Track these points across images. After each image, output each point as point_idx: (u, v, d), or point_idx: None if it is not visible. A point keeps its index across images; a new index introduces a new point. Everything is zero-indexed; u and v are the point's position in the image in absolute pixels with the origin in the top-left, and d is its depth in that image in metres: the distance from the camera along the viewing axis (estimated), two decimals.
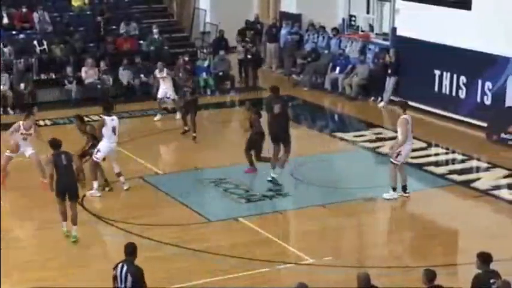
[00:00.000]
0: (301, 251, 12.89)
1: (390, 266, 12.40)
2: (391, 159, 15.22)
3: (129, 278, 9.35)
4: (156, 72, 21.19)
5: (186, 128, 19.22)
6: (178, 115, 20.64)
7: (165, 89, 20.96)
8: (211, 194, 15.75)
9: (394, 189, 15.17)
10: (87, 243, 13.27)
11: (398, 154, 15.18)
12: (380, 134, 19.85)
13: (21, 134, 15.49)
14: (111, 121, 15.41)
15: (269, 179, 15.88)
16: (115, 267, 9.51)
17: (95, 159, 15.31)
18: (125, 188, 15.49)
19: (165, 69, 21.05)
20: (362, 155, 18.30)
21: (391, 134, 19.75)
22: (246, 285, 11.70)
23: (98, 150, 15.28)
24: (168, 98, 22.90)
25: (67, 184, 13.06)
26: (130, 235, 13.30)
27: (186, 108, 19.37)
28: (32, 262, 12.46)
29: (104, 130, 15.27)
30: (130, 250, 9.57)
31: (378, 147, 18.69)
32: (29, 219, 14.19)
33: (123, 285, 9.36)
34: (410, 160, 17.59)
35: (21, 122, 15.57)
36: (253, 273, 12.09)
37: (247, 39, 25.86)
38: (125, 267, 9.41)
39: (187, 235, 13.46)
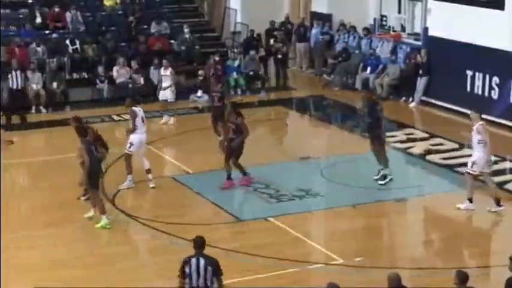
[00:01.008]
0: (331, 251, 12.85)
1: (421, 267, 12.32)
2: (468, 170, 14.52)
3: (209, 269, 9.36)
4: (162, 69, 21.07)
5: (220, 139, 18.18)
6: (164, 119, 20.51)
7: (164, 90, 20.63)
8: (242, 194, 15.76)
9: (470, 200, 14.53)
10: (117, 242, 13.35)
11: (473, 164, 14.39)
12: (411, 134, 19.73)
13: None
14: (139, 111, 15.65)
15: (381, 182, 15.72)
16: (187, 263, 9.39)
17: (128, 152, 15.44)
18: (151, 186, 15.57)
19: (169, 68, 20.89)
20: (393, 156, 18.17)
21: (422, 134, 19.68)
22: (275, 285, 11.69)
23: (131, 144, 15.43)
24: (199, 97, 23.00)
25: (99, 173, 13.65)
26: (160, 234, 13.36)
27: (214, 114, 18.62)
28: (61, 260, 12.54)
29: (136, 121, 15.45)
30: (201, 243, 9.55)
31: (409, 147, 18.59)
32: (57, 217, 14.25)
33: (202, 279, 9.32)
34: (442, 161, 17.52)
35: None
36: (283, 273, 12.08)
37: (277, 39, 25.87)
38: (202, 260, 9.39)
39: (217, 234, 13.48)
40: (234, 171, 15.63)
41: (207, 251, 12.58)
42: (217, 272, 9.48)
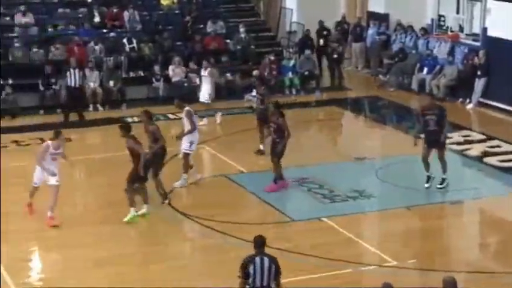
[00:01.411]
0: (384, 253, 12.75)
1: (477, 270, 12.14)
2: None
3: (273, 268, 9.37)
4: (202, 70, 21.08)
5: (261, 147, 17.85)
6: (201, 121, 20.22)
7: (203, 91, 20.57)
8: (295, 193, 15.74)
9: None
10: (169, 240, 13.44)
11: None
12: (468, 136, 19.46)
13: (50, 154, 13.90)
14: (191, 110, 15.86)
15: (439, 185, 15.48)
16: (251, 262, 9.34)
17: (188, 151, 15.57)
18: (190, 181, 15.67)
19: (208, 69, 20.85)
20: (449, 158, 17.94)
21: (479, 136, 19.39)
22: (328, 286, 11.64)
23: (192, 143, 15.54)
24: (254, 96, 23.02)
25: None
26: (214, 233, 13.42)
27: (257, 116, 18.18)
28: (113, 257, 12.65)
29: (194, 119, 15.62)
30: (262, 242, 9.54)
31: (465, 149, 18.33)
32: (111, 213, 14.38)
33: (266, 278, 9.32)
34: (499, 164, 17.24)
35: (49, 142, 14.03)
36: (336, 274, 12.02)
37: (329, 38, 25.79)
38: (266, 259, 9.39)
39: (270, 234, 13.39)
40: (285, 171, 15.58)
41: None
42: (279, 270, 9.48)
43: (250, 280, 9.32)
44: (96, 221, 14.05)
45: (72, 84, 21.04)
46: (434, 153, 15.55)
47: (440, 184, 15.44)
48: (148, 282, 11.76)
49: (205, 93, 20.41)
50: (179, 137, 15.71)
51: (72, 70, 21.02)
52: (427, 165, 15.49)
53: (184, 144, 15.63)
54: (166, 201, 14.65)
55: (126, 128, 14.26)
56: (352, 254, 12.71)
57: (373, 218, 14.86)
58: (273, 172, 15.51)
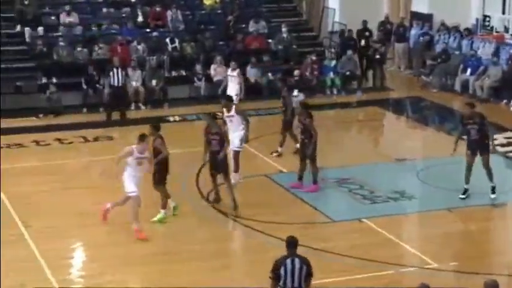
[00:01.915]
0: (425, 255, 12.64)
1: None
2: None
3: (304, 269, 9.37)
4: (229, 70, 21.02)
5: (279, 150, 17.73)
6: None
7: (230, 91, 20.56)
8: (336, 194, 15.68)
9: None
10: (211, 239, 13.47)
11: None
12: None
13: (136, 158, 13.41)
14: None
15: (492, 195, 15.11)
16: (282, 264, 9.35)
17: (239, 149, 15.61)
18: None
19: (237, 69, 20.81)
20: (492, 160, 17.71)
21: None
22: (368, 287, 11.58)
23: (242, 140, 15.57)
24: (295, 96, 22.95)
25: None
26: (254, 232, 13.43)
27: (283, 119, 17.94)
28: (154, 255, 12.72)
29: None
30: (294, 243, 9.55)
31: (509, 151, 18.09)
32: (153, 212, 14.47)
33: (297, 279, 9.32)
34: None
35: (134, 146, 13.56)
36: (376, 275, 11.95)
37: (369, 38, 25.67)
38: (297, 260, 9.39)
39: (310, 234, 13.44)
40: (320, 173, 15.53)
41: (300, 250, 12.63)
42: (311, 271, 9.47)
43: (281, 282, 9.32)
44: (139, 219, 14.11)
45: (115, 83, 21.23)
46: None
47: (492, 193, 15.01)
48: (188, 281, 11.79)
49: (232, 93, 20.39)
50: (246, 140, 15.78)
51: (115, 69, 21.20)
52: (468, 173, 15.09)
53: (234, 142, 15.50)
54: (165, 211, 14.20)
55: (156, 127, 14.14)
56: (392, 256, 12.63)
57: (413, 219, 14.74)
58: (310, 173, 15.42)
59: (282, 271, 9.32)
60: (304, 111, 15.71)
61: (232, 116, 15.58)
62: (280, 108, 18.26)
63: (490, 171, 15.07)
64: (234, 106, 15.70)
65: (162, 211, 13.96)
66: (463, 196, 15.06)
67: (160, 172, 13.85)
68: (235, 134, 15.50)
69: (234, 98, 20.47)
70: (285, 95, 18.08)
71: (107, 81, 21.46)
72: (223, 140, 14.52)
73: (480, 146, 15.04)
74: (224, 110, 15.79)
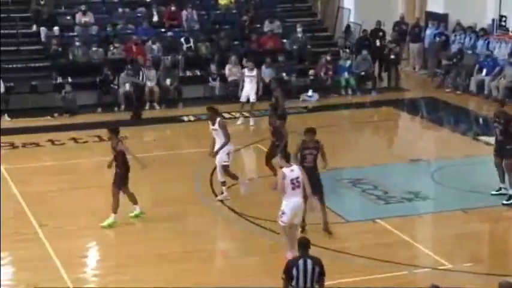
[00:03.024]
0: (439, 256, 12.59)
1: None
2: None
3: (317, 269, 9.39)
4: (246, 70, 20.97)
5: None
6: (251, 121, 20.41)
7: (249, 91, 20.56)
8: (350, 194, 15.66)
9: None
10: (223, 238, 13.49)
11: None
12: None
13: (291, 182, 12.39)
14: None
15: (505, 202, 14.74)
16: (294, 265, 9.37)
17: (227, 163, 14.74)
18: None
19: (255, 69, 20.82)
20: None
21: None
22: (382, 287, 11.55)
23: (229, 153, 14.84)
24: (310, 96, 22.99)
25: None
26: (267, 232, 13.42)
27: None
28: (175, 254, 12.76)
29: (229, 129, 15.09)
30: (306, 243, 9.57)
31: None
32: (169, 211, 14.52)
33: (309, 279, 9.34)
34: None
35: (283, 170, 12.37)
36: (390, 276, 11.91)
37: (383, 38, 25.61)
38: (309, 260, 9.41)
39: (324, 234, 13.43)
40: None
41: (314, 250, 12.58)
42: (323, 271, 9.48)
43: (294, 282, 9.34)
44: (153, 219, 14.16)
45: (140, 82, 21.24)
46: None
47: (507, 201, 14.70)
48: (202, 280, 11.81)
49: (251, 92, 20.44)
50: (215, 154, 14.79)
51: (143, 68, 21.20)
52: (501, 174, 14.87)
53: (222, 156, 14.74)
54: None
55: (114, 130, 14.00)
56: (405, 256, 12.60)
57: (428, 220, 14.69)
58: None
59: (294, 271, 9.35)
60: (273, 114, 15.40)
61: (216, 129, 14.80)
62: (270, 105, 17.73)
63: (511, 177, 14.62)
64: (218, 119, 14.83)
65: (113, 215, 13.73)
66: (494, 192, 14.96)
67: (126, 175, 13.79)
68: (223, 149, 14.74)
69: (254, 98, 20.54)
70: (277, 95, 17.79)
71: (129, 79, 21.56)
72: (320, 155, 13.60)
73: (504, 148, 14.68)
74: (209, 122, 15.01)
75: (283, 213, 12.07)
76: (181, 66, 23.47)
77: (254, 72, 20.76)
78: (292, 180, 11.95)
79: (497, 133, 14.81)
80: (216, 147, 14.81)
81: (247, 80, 20.76)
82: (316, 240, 13.00)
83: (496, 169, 15.01)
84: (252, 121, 20.57)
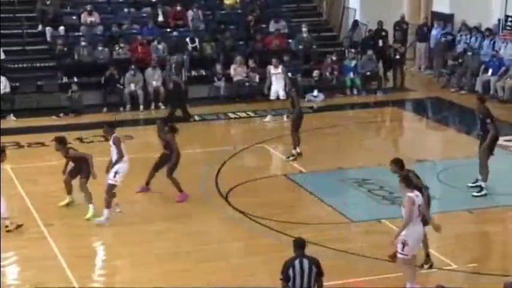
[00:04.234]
0: (444, 256, 12.57)
1: None
2: None
3: (314, 269, 9.39)
4: (271, 68, 21.03)
5: (294, 152, 17.35)
6: (285, 117, 20.42)
7: (277, 88, 20.72)
8: (355, 195, 15.65)
9: None
10: (228, 238, 13.48)
11: None
12: None
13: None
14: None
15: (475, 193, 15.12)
16: (290, 265, 9.39)
17: (113, 182, 13.91)
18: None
19: (280, 66, 20.88)
20: (511, 161, 17.67)
21: None
22: (388, 287, 11.56)
23: (117, 172, 13.99)
24: (315, 96, 22.97)
25: None
26: (272, 232, 13.43)
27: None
28: (170, 254, 12.75)
29: (122, 147, 14.15)
30: (302, 244, 9.57)
31: None
32: (172, 211, 14.52)
33: (306, 280, 9.35)
34: None
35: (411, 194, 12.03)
36: (395, 276, 11.87)
37: (396, 39, 25.60)
38: (306, 261, 9.42)
39: (329, 234, 13.44)
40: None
41: (318, 250, 12.66)
42: (320, 271, 9.47)
43: (291, 283, 9.35)
44: (154, 219, 14.18)
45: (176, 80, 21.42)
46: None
47: (478, 192, 15.11)
48: (204, 279, 11.83)
49: (279, 89, 20.67)
50: (107, 170, 14.07)
51: (173, 66, 21.50)
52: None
53: (110, 174, 13.94)
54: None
55: (62, 140, 14.45)
56: None
57: (433, 220, 14.63)
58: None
59: (290, 272, 9.37)
60: (162, 126, 14.83)
61: (111, 145, 14.13)
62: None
63: (481, 166, 15.13)
64: (113, 135, 14.15)
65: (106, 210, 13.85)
66: (470, 184, 15.34)
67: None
68: (114, 167, 13.97)
69: (283, 94, 20.63)
70: (293, 95, 17.89)
71: (166, 74, 21.87)
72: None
73: (481, 143, 15.28)
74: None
75: (405, 244, 10.98)
76: (186, 66, 23.42)
77: (279, 69, 20.85)
78: (418, 206, 11.00)
79: (478, 128, 15.38)
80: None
81: (273, 78, 20.82)
82: (320, 240, 13.08)
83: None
84: (286, 117, 20.49)
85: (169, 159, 14.73)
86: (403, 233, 10.93)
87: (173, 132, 14.80)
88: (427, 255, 12.11)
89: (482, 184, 15.16)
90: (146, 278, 11.87)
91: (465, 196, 15.26)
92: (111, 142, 14.09)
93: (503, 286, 9.01)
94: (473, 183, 15.43)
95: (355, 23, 27.01)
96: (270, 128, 20.35)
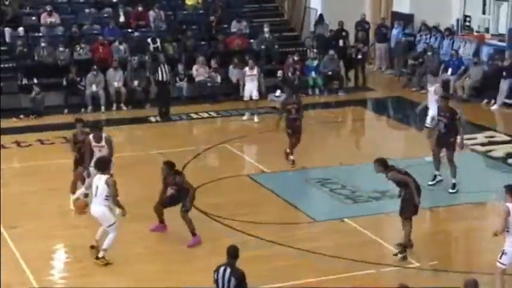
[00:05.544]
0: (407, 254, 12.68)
1: None
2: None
3: (233, 281, 9.36)
4: (246, 69, 21.06)
5: (288, 151, 17.11)
6: (256, 118, 20.54)
7: (251, 88, 20.74)
8: (317, 194, 15.72)
9: None
10: (189, 239, 13.41)
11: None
12: (492, 137, 19.30)
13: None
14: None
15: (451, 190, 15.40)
16: (216, 270, 9.51)
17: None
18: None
19: (255, 68, 20.94)
20: (473, 159, 17.85)
21: (504, 137, 19.24)
22: (349, 287, 11.60)
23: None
24: (277, 96, 23.02)
25: None
26: (235, 232, 13.43)
27: (290, 126, 17.10)
28: (135, 256, 12.71)
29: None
30: (235, 253, 9.57)
31: (489, 150, 18.19)
32: (141, 212, 14.40)
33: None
34: None
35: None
36: (357, 275, 11.98)
37: (358, 39, 25.77)
38: (228, 270, 9.42)
39: (292, 234, 13.48)
40: None
41: (282, 250, 12.72)
42: (240, 285, 9.41)
43: (215, 286, 9.46)
44: (123, 220, 14.07)
45: (160, 79, 21.22)
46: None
47: (452, 189, 15.38)
48: (166, 281, 11.78)
49: (253, 90, 20.70)
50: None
51: (162, 65, 21.22)
52: (436, 163, 15.75)
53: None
54: None
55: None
56: (374, 255, 12.67)
57: (395, 219, 14.70)
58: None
59: (215, 276, 9.50)
60: (168, 171, 13.28)
61: (103, 146, 14.06)
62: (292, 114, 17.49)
63: (453, 167, 15.42)
64: (104, 136, 14.15)
65: None
66: (431, 183, 15.59)
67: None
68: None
69: (256, 95, 20.67)
70: (300, 100, 17.83)
71: (154, 76, 21.61)
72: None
73: (447, 141, 15.43)
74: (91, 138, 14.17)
75: (504, 253, 10.98)
76: (148, 66, 23.30)
77: (255, 71, 20.86)
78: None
79: (441, 126, 15.48)
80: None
81: (248, 79, 20.87)
82: (283, 240, 13.12)
83: (433, 159, 15.77)
84: (256, 118, 20.65)
85: (178, 198, 13.33)
86: (507, 242, 10.96)
87: (179, 173, 13.49)
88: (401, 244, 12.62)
89: (454, 180, 15.39)
90: (110, 280, 11.80)
91: (426, 194, 15.24)
92: (103, 142, 14.02)
93: (464, 283, 9.11)
94: (432, 180, 15.61)
95: (320, 17, 27.15)
96: (233, 128, 20.34)
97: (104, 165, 12.38)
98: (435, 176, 15.65)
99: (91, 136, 14.22)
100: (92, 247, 12.40)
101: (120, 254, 12.61)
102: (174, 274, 12.06)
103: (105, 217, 12.20)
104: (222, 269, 9.48)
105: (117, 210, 12.80)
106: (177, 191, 13.25)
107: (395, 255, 12.52)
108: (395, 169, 12.79)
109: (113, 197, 12.04)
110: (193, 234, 13.17)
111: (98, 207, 12.14)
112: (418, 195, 12.53)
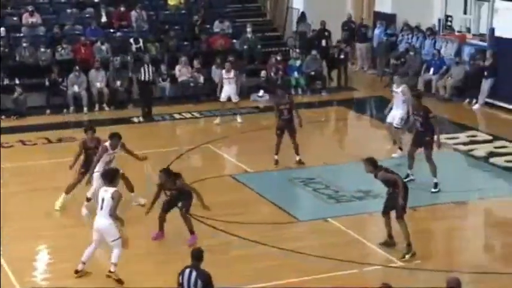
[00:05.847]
0: (389, 254, 12.74)
1: (480, 271, 12.12)
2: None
3: (199, 284, 9.32)
4: (223, 72, 20.92)
5: (276, 158, 17.12)
6: (239, 118, 20.60)
7: (229, 91, 20.55)
8: (301, 194, 15.74)
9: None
10: (175, 240, 13.41)
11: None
12: (474, 136, 19.41)
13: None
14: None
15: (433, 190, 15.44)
16: (181, 273, 9.45)
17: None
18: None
19: (232, 71, 20.80)
20: (455, 158, 17.95)
21: (486, 136, 19.35)
22: (333, 286, 11.62)
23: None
24: (260, 96, 23.03)
25: None
26: (218, 232, 13.42)
27: (280, 126, 17.22)
28: (122, 256, 12.62)
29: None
30: (199, 255, 9.53)
31: (471, 150, 18.29)
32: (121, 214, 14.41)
33: None
34: (506, 164, 17.19)
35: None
36: (341, 275, 12.01)
37: (340, 38, 25.81)
38: (194, 273, 9.37)
39: (275, 234, 13.49)
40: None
41: (265, 250, 12.72)
42: (207, 287, 9.38)
43: None
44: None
45: (143, 78, 21.20)
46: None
47: (434, 188, 15.42)
48: (149, 282, 11.77)
49: (231, 93, 20.53)
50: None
51: (145, 65, 21.19)
52: (411, 161, 15.80)
53: None
54: None
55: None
56: (357, 255, 12.70)
57: (379, 218, 14.74)
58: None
59: (180, 279, 9.45)
60: (166, 178, 13.24)
61: (116, 152, 14.44)
62: (284, 115, 17.61)
63: (432, 166, 15.45)
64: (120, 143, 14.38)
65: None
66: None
67: None
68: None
69: (236, 98, 20.66)
70: (289, 101, 17.73)
71: (135, 76, 21.56)
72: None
73: (423, 139, 15.47)
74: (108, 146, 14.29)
75: None
76: (130, 67, 23.24)
77: (232, 74, 20.68)
78: None
79: (417, 125, 15.61)
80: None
81: (225, 82, 20.67)
82: (267, 239, 13.12)
83: (408, 158, 15.85)
84: (239, 118, 20.65)
85: (176, 201, 13.40)
86: None
87: (178, 177, 13.37)
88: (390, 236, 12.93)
89: (435, 179, 15.42)
90: (93, 282, 11.74)
91: (409, 194, 15.41)
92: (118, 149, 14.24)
93: (446, 281, 9.16)
94: (404, 178, 15.52)
95: (303, 15, 27.20)
96: (216, 128, 20.32)
97: (111, 178, 12.14)
98: (407, 175, 15.59)
99: (108, 143, 14.12)
100: (76, 272, 11.97)
101: (106, 257, 12.57)
102: (155, 274, 12.03)
103: (110, 231, 11.85)
104: (187, 271, 9.41)
105: None
106: (177, 194, 13.27)
107: (403, 257, 12.46)
108: (384, 168, 12.76)
109: (113, 209, 11.84)
110: (192, 232, 13.18)
111: (104, 220, 11.82)
112: (405, 195, 12.53)
